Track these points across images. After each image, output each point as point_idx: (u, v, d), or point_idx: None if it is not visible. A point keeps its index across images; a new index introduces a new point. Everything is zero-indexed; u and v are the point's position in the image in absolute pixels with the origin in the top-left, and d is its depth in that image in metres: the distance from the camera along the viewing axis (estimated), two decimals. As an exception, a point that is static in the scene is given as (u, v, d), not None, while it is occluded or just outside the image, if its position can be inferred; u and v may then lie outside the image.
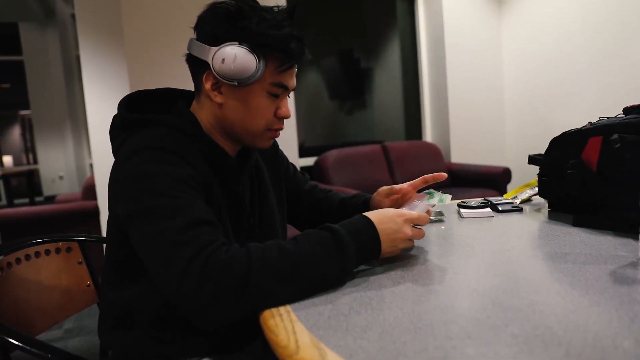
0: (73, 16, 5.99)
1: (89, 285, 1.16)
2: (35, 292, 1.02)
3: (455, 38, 4.18)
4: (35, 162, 8.05)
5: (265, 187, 0.99)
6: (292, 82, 0.87)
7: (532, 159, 1.27)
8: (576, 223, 1.01)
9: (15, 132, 8.71)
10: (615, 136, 0.96)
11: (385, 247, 0.77)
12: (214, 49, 0.79)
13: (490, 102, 4.41)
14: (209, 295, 0.63)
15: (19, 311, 0.97)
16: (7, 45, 7.68)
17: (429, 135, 4.48)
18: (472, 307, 0.60)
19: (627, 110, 1.04)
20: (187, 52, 0.85)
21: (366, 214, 0.79)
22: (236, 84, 0.80)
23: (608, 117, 1.07)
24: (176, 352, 0.83)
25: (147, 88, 0.94)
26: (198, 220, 0.69)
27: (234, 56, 0.78)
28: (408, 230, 0.80)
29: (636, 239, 0.84)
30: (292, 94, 0.92)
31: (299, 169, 1.19)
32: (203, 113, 0.88)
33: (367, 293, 0.67)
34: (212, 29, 0.81)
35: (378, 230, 0.76)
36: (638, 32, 3.29)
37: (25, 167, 7.67)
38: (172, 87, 0.97)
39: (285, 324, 0.59)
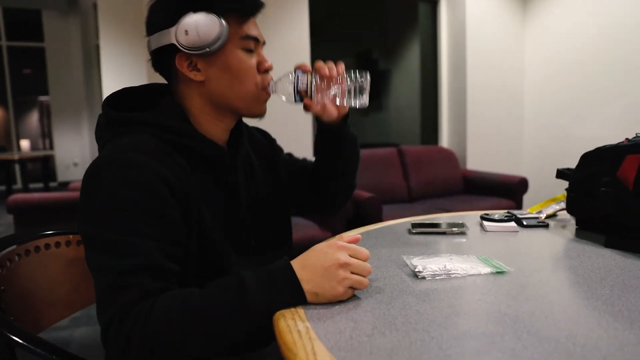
0: (95, 5, 6.02)
1: (98, 280, 1.13)
2: (43, 286, 0.99)
3: (477, 43, 4.10)
4: (52, 147, 8.13)
5: (257, 179, 0.96)
6: (258, 31, 0.86)
7: (561, 173, 1.21)
8: (609, 244, 0.96)
9: (34, 117, 8.79)
10: (657, 155, 0.91)
11: (313, 287, 0.65)
12: (173, 27, 0.78)
13: (510, 110, 4.33)
14: (129, 347, 0.62)
15: (27, 305, 0.94)
16: (30, 32, 7.79)
17: (445, 141, 4.41)
18: (496, 333, 0.55)
19: (668, 128, 0.98)
20: (149, 53, 0.84)
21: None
22: (208, 49, 0.78)
23: (648, 134, 1.01)
24: None
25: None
26: (145, 265, 0.67)
27: (195, 23, 0.77)
28: (343, 257, 0.66)
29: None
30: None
31: None
32: (189, 102, 0.85)
33: (391, 311, 0.63)
34: (164, 12, 0.81)
35: (297, 270, 0.66)
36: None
37: (41, 153, 7.74)
38: None
39: (304, 341, 0.55)
